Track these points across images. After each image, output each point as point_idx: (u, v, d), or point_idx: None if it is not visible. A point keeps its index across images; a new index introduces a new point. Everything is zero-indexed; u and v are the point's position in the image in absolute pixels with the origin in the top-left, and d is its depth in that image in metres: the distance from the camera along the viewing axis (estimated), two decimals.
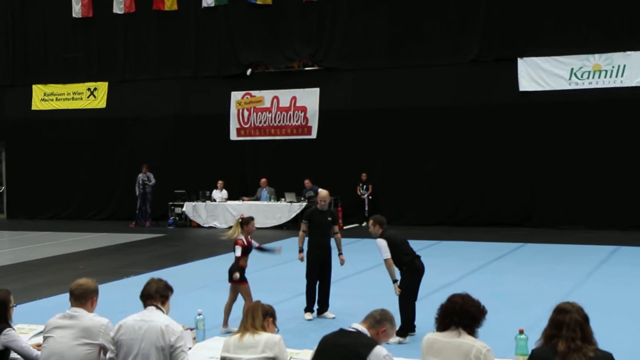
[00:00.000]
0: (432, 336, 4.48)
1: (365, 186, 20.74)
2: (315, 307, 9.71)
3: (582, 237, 17.11)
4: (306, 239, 9.95)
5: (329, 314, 9.61)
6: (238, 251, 8.92)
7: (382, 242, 8.43)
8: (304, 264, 9.87)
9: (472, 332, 4.40)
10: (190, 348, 5.45)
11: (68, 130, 24.19)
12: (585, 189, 18.77)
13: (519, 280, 11.98)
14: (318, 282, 9.66)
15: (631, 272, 12.60)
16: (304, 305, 9.68)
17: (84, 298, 5.26)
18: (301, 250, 9.98)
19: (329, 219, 9.81)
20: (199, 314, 6.06)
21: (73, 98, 24.55)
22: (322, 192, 10.03)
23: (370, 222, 8.80)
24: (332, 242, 9.86)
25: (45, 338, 5.25)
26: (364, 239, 16.23)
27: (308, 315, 9.53)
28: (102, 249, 17.15)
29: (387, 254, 8.37)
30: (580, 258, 14.13)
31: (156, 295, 5.19)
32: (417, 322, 8.24)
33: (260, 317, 4.99)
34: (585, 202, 18.76)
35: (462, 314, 4.39)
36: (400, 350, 5.27)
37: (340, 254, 9.82)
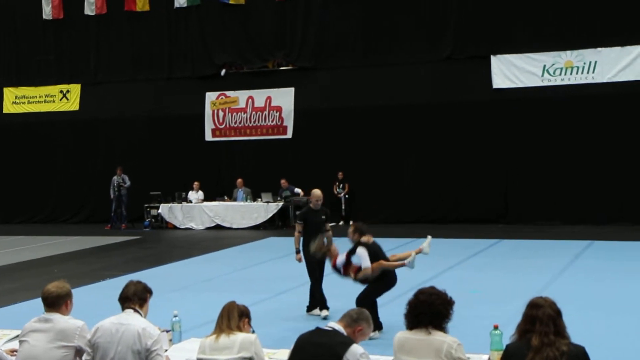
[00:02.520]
0: (403, 335, 4.52)
1: (341, 185, 20.77)
2: (306, 304, 9.75)
3: (558, 232, 17.27)
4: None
5: (319, 311, 9.61)
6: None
7: (362, 251, 8.47)
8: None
9: (441, 327, 4.44)
10: (166, 350, 5.43)
11: (41, 133, 23.97)
12: (560, 185, 18.93)
13: (494, 276, 12.08)
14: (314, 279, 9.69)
15: (604, 267, 12.75)
16: (284, 305, 9.67)
17: (56, 304, 5.23)
18: (298, 252, 9.88)
19: (323, 217, 9.86)
20: (175, 316, 6.03)
21: (45, 101, 24.32)
22: (316, 191, 10.07)
23: (352, 228, 8.84)
24: None
25: (20, 342, 5.22)
26: (341, 238, 16.24)
27: (324, 312, 9.45)
28: (77, 252, 17.01)
29: (368, 263, 8.43)
30: (555, 253, 14.25)
31: (134, 297, 5.17)
32: (394, 320, 8.22)
33: (236, 317, 4.99)
34: (560, 197, 18.91)
35: (430, 312, 4.45)
36: (376, 348, 5.29)
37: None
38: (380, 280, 8.56)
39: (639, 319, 8.94)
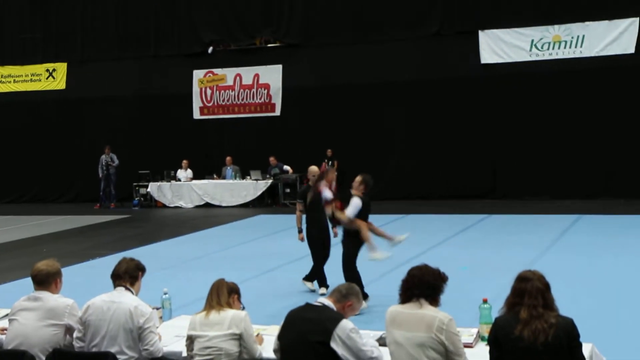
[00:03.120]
0: (395, 308, 4.54)
1: (331, 162, 20.75)
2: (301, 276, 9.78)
3: (546, 207, 17.35)
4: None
5: (317, 287, 9.58)
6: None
7: (358, 202, 8.50)
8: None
9: (433, 300, 4.46)
10: (157, 327, 5.44)
11: (27, 112, 23.82)
12: (548, 160, 18.98)
13: (483, 252, 12.13)
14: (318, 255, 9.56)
15: (592, 241, 12.83)
16: (274, 282, 9.67)
17: (46, 282, 5.24)
18: (300, 231, 9.80)
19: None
20: (165, 294, 6.04)
21: (31, 79, 24.14)
22: (312, 168, 9.98)
23: (359, 179, 8.77)
24: None
25: (10, 321, 5.24)
26: None
27: (322, 290, 9.35)
28: (66, 231, 16.98)
29: (352, 214, 8.46)
30: (544, 228, 14.32)
31: (125, 275, 5.20)
32: (385, 295, 8.29)
33: (226, 294, 5.00)
34: (548, 172, 18.98)
35: (422, 286, 4.46)
36: (366, 324, 5.32)
37: (334, 227, 9.62)
38: (355, 238, 8.57)
39: (627, 291, 9.03)
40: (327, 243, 9.58)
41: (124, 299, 5.04)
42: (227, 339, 4.79)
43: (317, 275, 9.56)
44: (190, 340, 4.91)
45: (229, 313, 4.89)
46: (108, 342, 4.94)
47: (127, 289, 5.15)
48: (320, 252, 9.50)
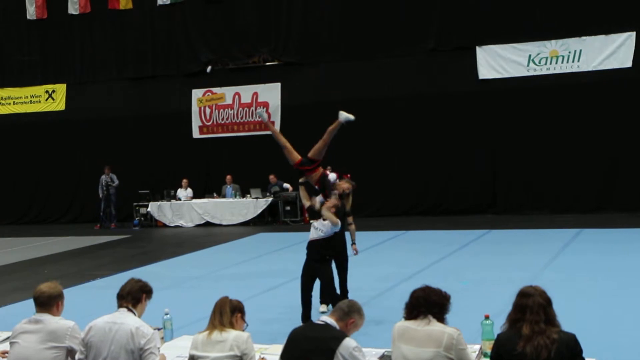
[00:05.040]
0: (403, 324, 4.54)
1: None
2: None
3: (546, 221, 17.32)
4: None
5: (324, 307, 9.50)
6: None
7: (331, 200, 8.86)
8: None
9: (441, 318, 4.48)
10: (158, 348, 5.43)
11: (28, 134, 23.86)
12: (548, 174, 18.99)
13: (484, 267, 12.10)
14: (337, 273, 9.40)
15: (593, 255, 12.79)
16: (276, 300, 9.66)
17: (48, 304, 5.23)
18: None
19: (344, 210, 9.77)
20: (166, 314, 6.03)
21: (31, 101, 24.20)
22: (342, 182, 10.12)
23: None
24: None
25: (11, 344, 5.22)
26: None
27: (322, 308, 9.32)
28: (67, 252, 16.95)
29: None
30: (545, 242, 14.28)
31: (128, 297, 5.18)
32: (388, 311, 8.29)
33: (229, 313, 4.98)
34: (548, 186, 18.98)
35: (428, 305, 4.48)
36: (369, 342, 5.31)
37: (353, 243, 9.69)
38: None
39: (629, 305, 8.99)
40: (343, 257, 9.52)
41: (125, 320, 5.03)
42: None
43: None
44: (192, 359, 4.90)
45: (232, 334, 4.86)
46: None
47: (129, 310, 5.14)
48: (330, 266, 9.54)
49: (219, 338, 4.83)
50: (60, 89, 23.89)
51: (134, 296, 5.19)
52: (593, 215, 17.79)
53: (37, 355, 5.04)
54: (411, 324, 4.49)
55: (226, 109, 22.39)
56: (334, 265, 9.30)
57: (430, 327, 4.42)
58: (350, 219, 9.88)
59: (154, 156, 22.54)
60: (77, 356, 5.07)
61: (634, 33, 18.23)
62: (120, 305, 5.17)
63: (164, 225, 21.22)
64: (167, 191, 21.48)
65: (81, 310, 7.35)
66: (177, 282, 12.06)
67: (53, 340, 5.08)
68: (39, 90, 24.09)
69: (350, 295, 9.59)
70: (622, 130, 18.40)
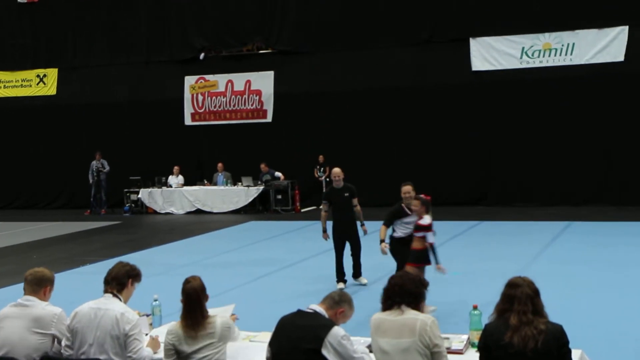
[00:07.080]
0: (378, 316, 4.56)
1: (322, 168, 20.74)
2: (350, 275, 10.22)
3: (537, 213, 17.37)
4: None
5: (362, 279, 10.18)
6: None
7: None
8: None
9: (416, 307, 4.48)
10: (147, 334, 5.43)
11: (18, 118, 23.75)
12: (539, 167, 19.03)
13: (475, 258, 12.15)
14: (350, 253, 10.15)
15: (583, 247, 12.86)
16: (266, 288, 9.74)
17: (38, 285, 5.21)
18: (325, 230, 10.39)
19: (347, 194, 10.25)
20: (155, 300, 6.03)
21: (22, 85, 24.07)
22: (335, 169, 10.57)
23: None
24: None
25: None
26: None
27: (340, 285, 9.93)
28: (56, 238, 16.91)
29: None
30: (535, 234, 14.35)
31: (112, 282, 5.16)
32: (371, 306, 8.34)
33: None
34: (539, 179, 19.02)
35: (403, 293, 4.50)
36: (357, 331, 5.32)
37: (362, 224, 10.32)
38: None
39: (617, 297, 9.05)
40: (354, 239, 10.19)
41: (110, 305, 5.01)
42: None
43: (337, 268, 10.09)
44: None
45: (216, 320, 4.90)
46: (96, 350, 4.92)
47: (114, 295, 5.12)
48: (340, 246, 10.09)
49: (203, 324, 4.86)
50: (52, 74, 23.76)
51: (119, 281, 5.16)
52: (583, 208, 17.85)
53: (22, 342, 5.02)
54: (386, 315, 4.51)
55: (219, 97, 22.33)
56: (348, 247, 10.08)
57: (403, 316, 4.43)
58: (355, 201, 10.33)
59: (145, 142, 22.47)
60: (63, 342, 5.05)
61: (627, 27, 18.25)
62: (105, 291, 5.15)
63: (155, 212, 21.19)
64: (158, 178, 21.43)
65: (70, 295, 7.33)
66: (166, 269, 12.04)
67: (39, 327, 5.06)
68: (30, 74, 23.96)
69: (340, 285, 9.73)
70: (613, 124, 18.43)
